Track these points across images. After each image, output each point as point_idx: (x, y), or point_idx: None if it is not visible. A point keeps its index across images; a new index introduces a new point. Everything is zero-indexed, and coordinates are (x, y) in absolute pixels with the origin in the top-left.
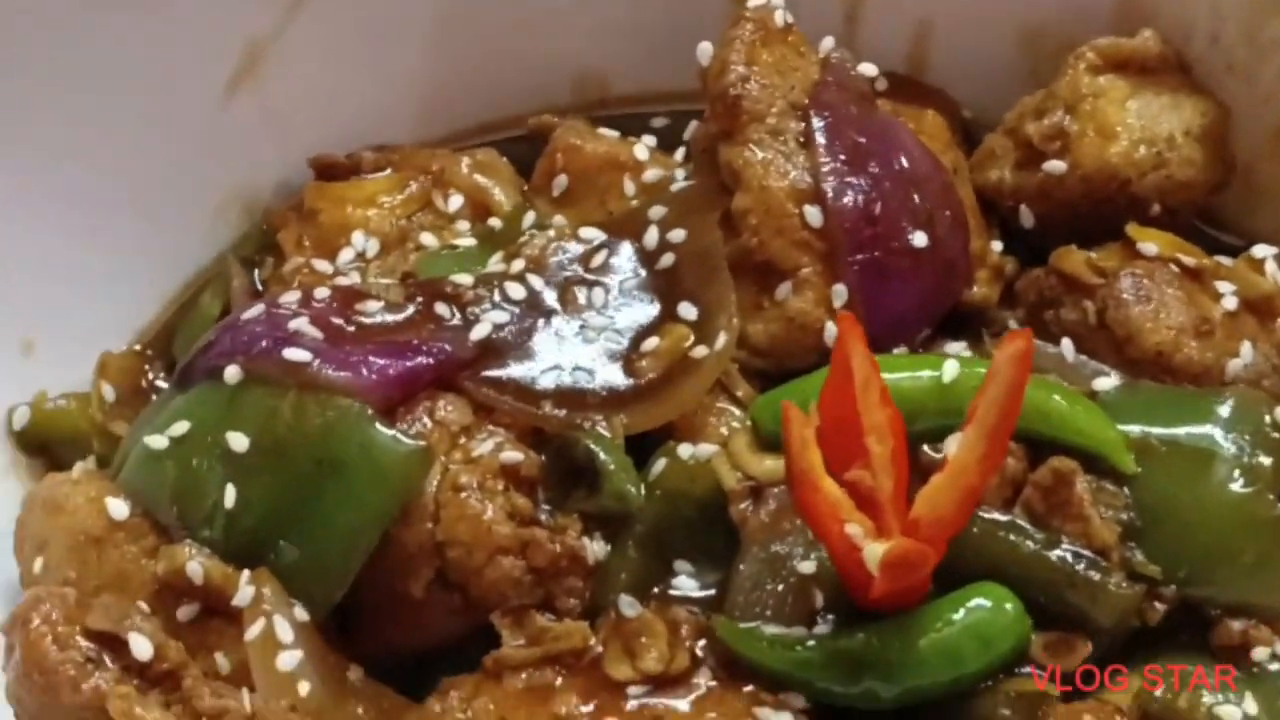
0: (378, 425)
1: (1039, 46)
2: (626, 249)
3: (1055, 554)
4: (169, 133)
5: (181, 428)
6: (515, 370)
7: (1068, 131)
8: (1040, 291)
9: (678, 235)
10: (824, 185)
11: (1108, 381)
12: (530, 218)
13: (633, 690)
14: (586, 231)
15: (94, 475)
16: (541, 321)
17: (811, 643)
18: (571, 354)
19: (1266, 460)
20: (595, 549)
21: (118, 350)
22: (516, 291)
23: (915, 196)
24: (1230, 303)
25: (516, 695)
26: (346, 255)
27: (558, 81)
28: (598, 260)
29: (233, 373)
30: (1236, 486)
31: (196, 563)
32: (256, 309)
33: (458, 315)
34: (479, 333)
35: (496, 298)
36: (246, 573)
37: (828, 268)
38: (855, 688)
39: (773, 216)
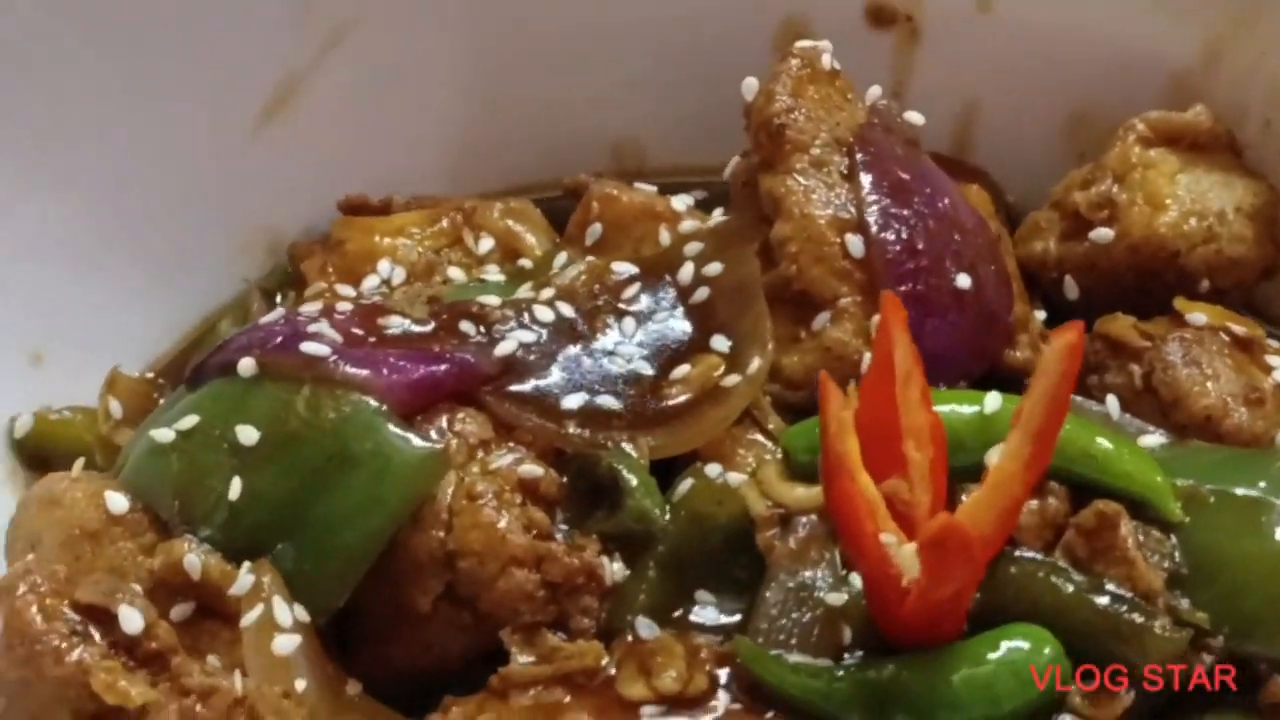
0: (393, 425)
1: (1085, 132)
2: (660, 282)
3: (1098, 597)
4: (199, 160)
5: (190, 421)
6: (539, 388)
7: (1116, 201)
8: (1085, 357)
9: (713, 269)
10: (867, 216)
11: (1154, 439)
12: (562, 258)
13: (647, 710)
14: (620, 266)
15: (94, 473)
16: (569, 344)
17: (840, 672)
18: (598, 377)
19: None
20: (614, 570)
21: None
22: (545, 315)
23: (959, 238)
24: None
25: (523, 713)
26: (371, 282)
27: (595, 149)
28: (630, 292)
29: (247, 365)
30: None
31: (195, 556)
32: (275, 313)
33: (483, 333)
34: (504, 349)
35: (525, 319)
36: (247, 563)
37: (868, 299)
38: None
39: (813, 244)
